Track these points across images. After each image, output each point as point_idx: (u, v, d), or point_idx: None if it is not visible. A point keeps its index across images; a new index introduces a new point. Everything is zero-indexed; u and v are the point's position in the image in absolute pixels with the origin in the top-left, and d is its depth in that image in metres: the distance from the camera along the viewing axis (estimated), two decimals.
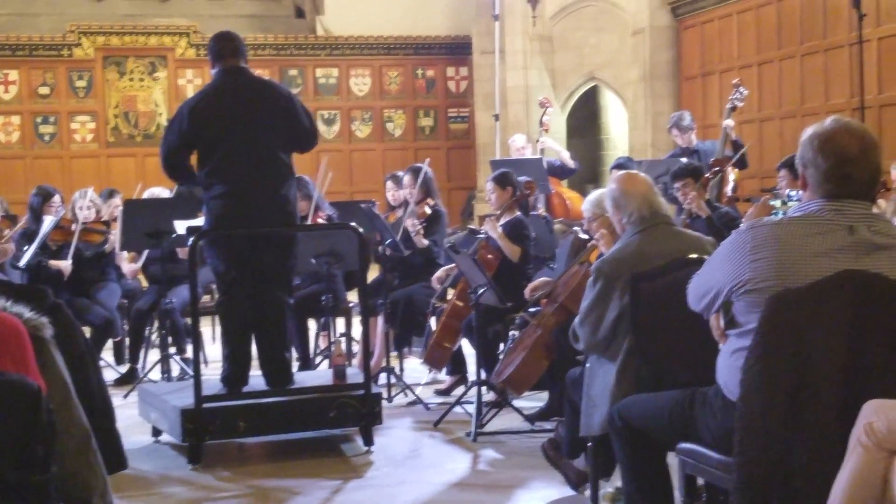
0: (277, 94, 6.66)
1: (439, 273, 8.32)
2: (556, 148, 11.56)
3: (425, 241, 8.54)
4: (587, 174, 17.20)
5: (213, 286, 8.50)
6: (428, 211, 8.69)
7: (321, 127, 17.22)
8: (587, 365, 5.13)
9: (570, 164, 11.12)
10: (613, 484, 5.34)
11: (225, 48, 6.67)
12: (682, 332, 4.22)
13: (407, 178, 8.83)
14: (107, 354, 9.62)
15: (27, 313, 2.83)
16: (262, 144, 6.53)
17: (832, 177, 3.48)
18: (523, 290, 7.21)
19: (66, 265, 8.90)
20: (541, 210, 9.17)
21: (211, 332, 10.61)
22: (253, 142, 6.52)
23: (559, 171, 11.08)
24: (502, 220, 8.00)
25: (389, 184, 9.35)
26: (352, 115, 18.14)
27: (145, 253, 9.34)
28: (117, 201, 9.79)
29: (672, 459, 4.25)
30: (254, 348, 6.86)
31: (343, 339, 8.24)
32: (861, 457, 2.97)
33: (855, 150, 3.45)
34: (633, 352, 4.65)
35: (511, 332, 7.46)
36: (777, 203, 6.12)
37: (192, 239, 6.43)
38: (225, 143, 6.49)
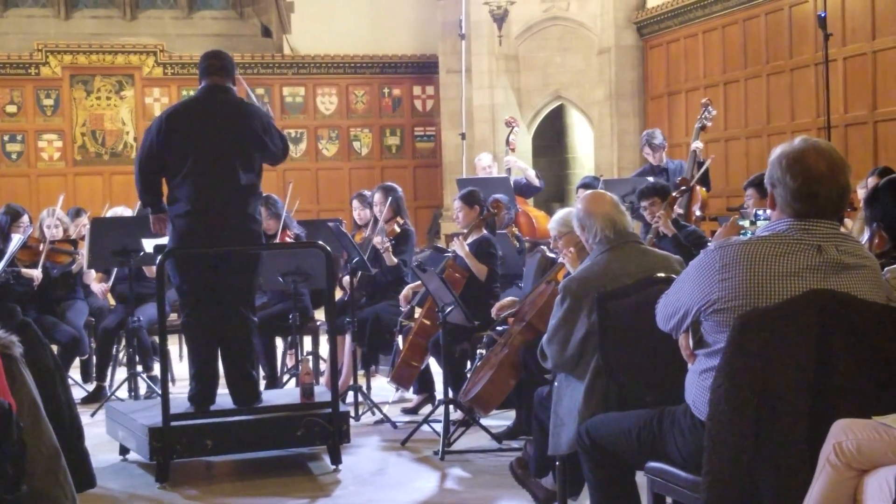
0: (253, 115, 6.68)
1: (406, 291, 8.32)
2: (522, 166, 11.54)
3: (395, 259, 8.53)
4: (553, 193, 17.21)
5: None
6: (397, 229, 8.68)
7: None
8: (555, 384, 5.12)
9: (536, 182, 11.09)
10: (582, 503, 5.33)
11: (211, 66, 6.74)
12: (650, 351, 4.21)
13: (377, 196, 8.81)
14: (74, 373, 9.57)
15: None
16: (228, 163, 6.55)
17: (800, 196, 3.49)
18: (490, 309, 7.20)
19: (37, 273, 8.90)
20: (513, 229, 9.14)
21: (178, 351, 10.56)
22: (220, 159, 6.55)
23: (525, 190, 11.06)
24: (469, 239, 8.01)
25: (356, 203, 9.34)
26: (318, 134, 18.12)
27: (114, 272, 9.33)
28: (84, 220, 9.76)
29: (641, 478, 4.24)
30: (220, 367, 6.84)
31: (310, 358, 8.19)
32: (830, 476, 2.98)
33: (823, 169, 3.47)
34: (601, 371, 4.63)
35: (478, 351, 7.54)
36: (745, 223, 6.16)
37: (159, 257, 6.42)
38: (192, 157, 6.52)
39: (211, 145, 6.54)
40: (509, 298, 7.24)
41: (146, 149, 6.60)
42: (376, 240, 8.42)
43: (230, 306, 6.67)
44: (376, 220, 8.77)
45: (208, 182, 6.53)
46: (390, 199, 8.67)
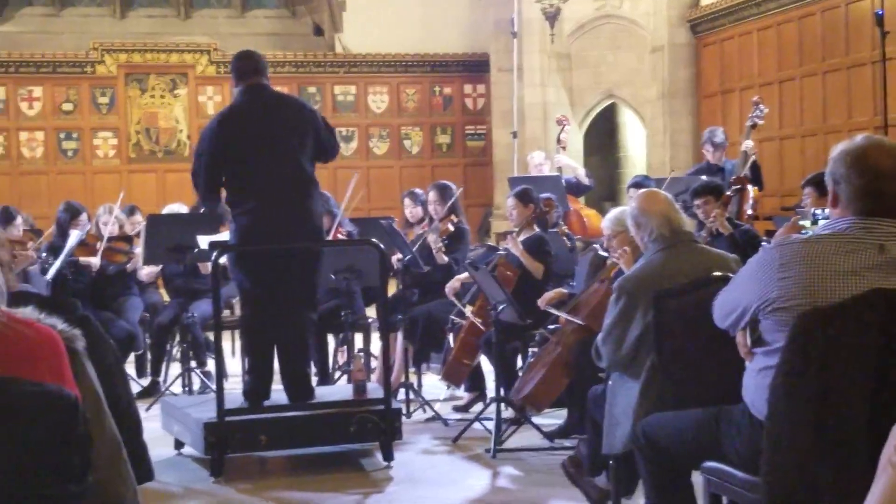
0: (299, 107, 6.71)
1: (453, 283, 8.22)
2: (572, 165, 11.39)
3: (445, 258, 8.46)
4: (604, 192, 17.05)
5: (234, 301, 8.53)
6: (451, 228, 8.60)
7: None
8: (609, 383, 5.09)
9: (586, 181, 10.97)
10: (635, 502, 5.31)
11: (247, 66, 6.71)
12: (707, 350, 4.17)
13: (432, 194, 8.75)
14: (129, 367, 9.57)
15: (60, 325, 2.84)
16: (287, 158, 6.54)
17: (864, 194, 3.43)
18: (539, 301, 7.17)
19: (94, 261, 8.94)
20: (563, 227, 9.06)
21: (231, 347, 10.55)
22: (279, 156, 6.54)
23: (575, 188, 10.93)
24: (521, 237, 7.94)
25: (407, 200, 9.27)
26: (369, 133, 18.07)
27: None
28: (138, 218, 9.78)
29: (697, 478, 4.21)
30: (276, 362, 6.84)
31: (362, 355, 8.15)
32: (891, 478, 2.93)
33: (888, 166, 3.41)
34: (656, 369, 4.60)
35: (530, 349, 7.46)
36: (806, 223, 6.08)
37: (214, 254, 6.41)
38: (251, 159, 6.52)
39: (268, 143, 6.54)
40: (556, 290, 7.24)
41: (204, 160, 6.61)
42: (430, 238, 8.37)
43: (291, 305, 6.67)
44: (431, 219, 8.71)
45: (271, 179, 6.51)
46: (443, 196, 8.65)
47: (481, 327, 7.68)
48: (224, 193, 6.73)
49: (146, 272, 9.43)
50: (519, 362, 7.92)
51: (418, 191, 9.30)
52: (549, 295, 7.15)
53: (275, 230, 6.47)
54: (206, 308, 8.65)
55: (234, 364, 9.24)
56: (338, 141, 6.88)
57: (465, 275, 7.96)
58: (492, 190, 17.27)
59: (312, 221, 6.57)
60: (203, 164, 6.55)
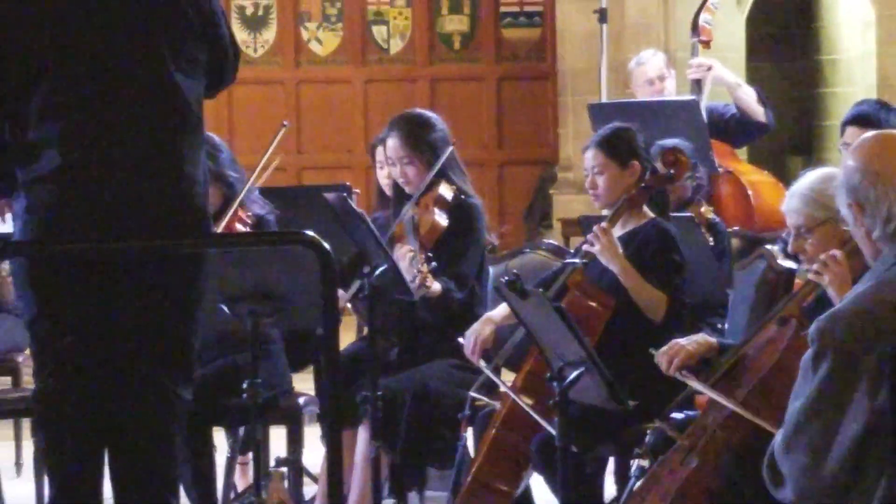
0: None
1: (480, 329, 6.14)
2: (728, 79, 8.41)
3: (437, 287, 6.27)
4: (789, 135, 13.11)
5: (21, 357, 7.19)
6: (442, 221, 6.36)
7: (239, 35, 12.49)
8: None
9: (759, 112, 8.02)
10: None
11: None
12: None
13: (391, 143, 6.53)
14: None
15: None
16: (143, 70, 4.89)
17: None
18: (657, 358, 5.36)
19: None
20: (704, 209, 6.81)
21: (13, 454, 8.10)
22: (126, 64, 4.88)
23: (733, 128, 8.13)
24: (618, 230, 5.92)
25: (381, 151, 6.82)
26: (301, 10, 13.42)
27: None
28: None
29: None
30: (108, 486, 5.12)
31: (284, 472, 5.86)
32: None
33: None
34: None
35: (635, 463, 5.45)
36: None
37: None
38: (65, 66, 4.87)
39: (111, 30, 4.87)
40: (694, 339, 5.38)
41: None
42: (400, 251, 6.32)
43: (134, 365, 4.98)
44: (398, 195, 6.65)
45: (100, 109, 4.89)
46: (421, 144, 6.50)
47: (532, 416, 5.73)
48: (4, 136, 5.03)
49: None
50: (609, 488, 6.00)
51: None
52: (683, 348, 5.32)
53: (107, 213, 4.83)
54: None
55: (19, 488, 7.26)
56: (237, 45, 5.21)
57: (499, 313, 6.08)
58: (554, 130, 13.28)
59: (187, 196, 4.99)
60: None
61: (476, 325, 6.13)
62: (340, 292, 6.35)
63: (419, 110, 6.86)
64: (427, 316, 6.35)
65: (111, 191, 4.73)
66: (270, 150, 6.49)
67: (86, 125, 4.73)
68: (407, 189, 6.44)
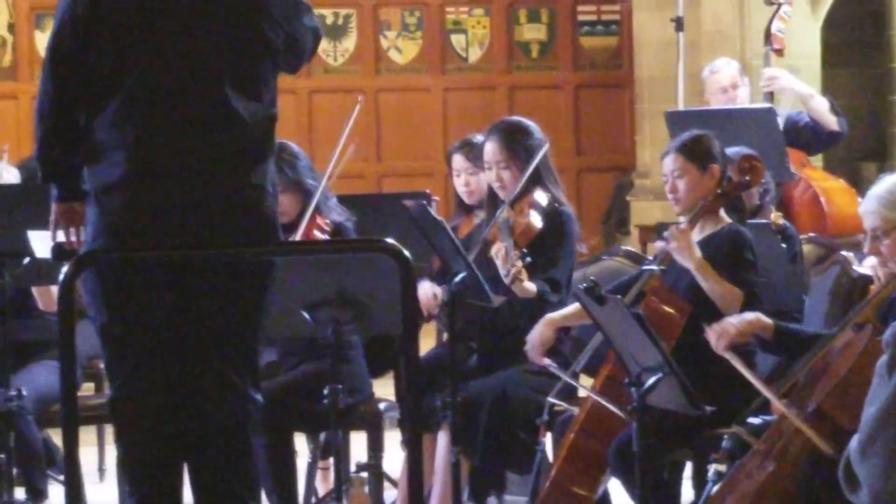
0: None
1: (542, 333, 6.21)
2: (802, 89, 8.39)
3: (531, 287, 6.22)
4: (863, 142, 13.05)
5: (101, 365, 6.96)
6: (537, 222, 6.33)
7: (320, 45, 13.43)
8: None
9: (831, 121, 8.04)
10: None
11: None
12: None
13: (491, 147, 6.50)
14: None
15: None
16: (210, 79, 4.93)
17: None
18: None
19: None
20: (777, 215, 6.84)
21: (97, 459, 8.01)
22: (193, 72, 4.97)
23: (808, 136, 8.14)
24: (696, 235, 5.93)
25: (458, 159, 6.80)
26: (380, 19, 13.71)
27: None
28: None
29: None
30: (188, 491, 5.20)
31: (365, 476, 6.31)
32: None
33: None
34: None
35: (712, 467, 5.48)
36: None
37: (66, 268, 4.67)
38: (136, 68, 4.94)
39: (174, 44, 4.95)
40: (751, 315, 5.61)
41: (61, 40, 5.05)
42: (495, 248, 6.24)
43: (206, 371, 5.04)
44: (492, 198, 6.55)
45: (172, 119, 4.95)
46: (518, 150, 6.48)
47: (609, 421, 5.89)
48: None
49: None
50: (687, 493, 5.98)
51: (480, 138, 6.94)
52: (732, 325, 5.52)
53: (175, 221, 4.90)
54: (45, 381, 6.64)
55: (104, 493, 7.18)
56: (316, 26, 5.23)
57: (569, 310, 6.18)
58: (631, 137, 13.38)
59: (256, 206, 5.07)
60: (49, 71, 5.05)
61: (537, 327, 6.22)
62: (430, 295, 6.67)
63: (518, 117, 6.97)
64: (520, 319, 6.38)
65: (180, 199, 4.84)
66: (347, 129, 6.50)
67: (157, 133, 4.83)
68: (501, 194, 6.51)
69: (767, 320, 5.52)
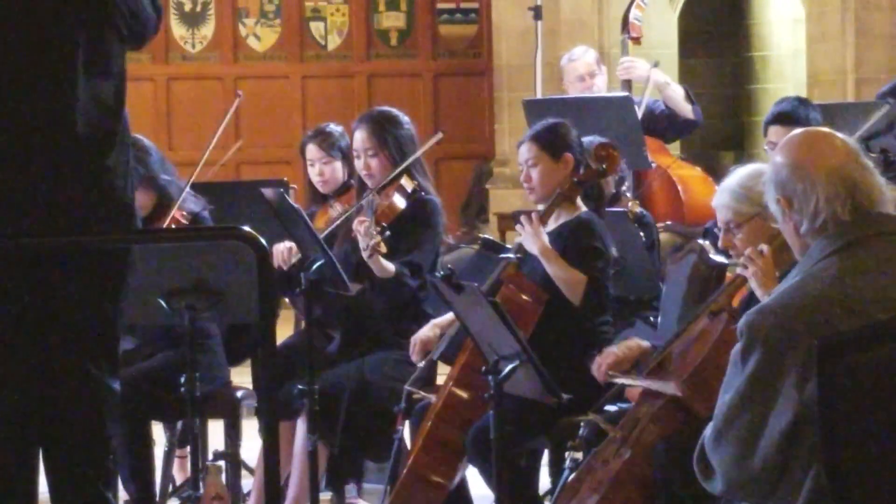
0: None
1: (422, 334, 6.28)
2: (658, 77, 8.42)
3: (390, 267, 6.38)
4: (720, 131, 13.19)
5: None
6: (400, 204, 6.51)
7: (177, 31, 12.68)
8: None
9: (686, 109, 8.13)
10: None
11: None
12: None
13: (359, 135, 6.67)
14: None
15: None
16: (49, 52, 4.89)
17: None
18: (591, 367, 5.57)
19: None
20: (633, 203, 7.02)
21: None
22: (25, 46, 4.89)
23: (664, 124, 8.22)
24: (552, 223, 6.10)
25: (312, 148, 6.91)
26: (239, 6, 13.55)
27: None
28: None
29: None
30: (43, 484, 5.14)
31: (223, 464, 6.32)
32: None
33: None
34: (824, 494, 3.69)
35: (569, 455, 5.64)
36: None
37: None
38: None
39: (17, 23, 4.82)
40: (628, 342, 5.72)
41: None
42: (359, 228, 6.36)
43: (61, 360, 4.97)
44: (361, 186, 6.75)
45: (14, 104, 4.86)
46: (386, 139, 6.62)
47: (466, 409, 6.04)
48: None
49: None
50: (544, 480, 6.09)
51: (337, 128, 7.08)
52: (612, 353, 5.58)
53: (25, 208, 4.87)
54: None
55: None
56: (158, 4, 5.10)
57: (447, 316, 6.24)
58: (490, 125, 13.30)
59: (107, 189, 5.02)
60: None
61: (422, 329, 6.28)
62: None
63: (388, 107, 7.11)
64: (377, 302, 6.49)
65: (28, 186, 4.77)
66: (224, 124, 6.53)
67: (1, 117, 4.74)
68: (369, 182, 6.57)
69: (645, 343, 5.64)
